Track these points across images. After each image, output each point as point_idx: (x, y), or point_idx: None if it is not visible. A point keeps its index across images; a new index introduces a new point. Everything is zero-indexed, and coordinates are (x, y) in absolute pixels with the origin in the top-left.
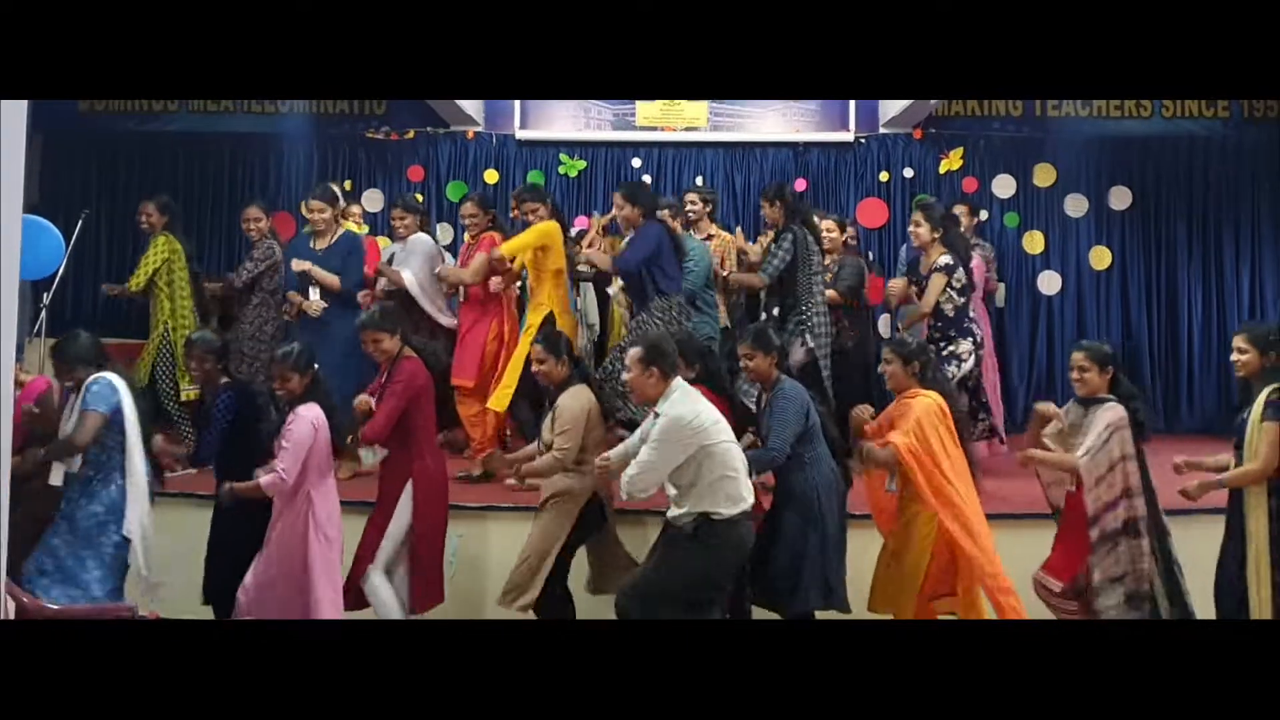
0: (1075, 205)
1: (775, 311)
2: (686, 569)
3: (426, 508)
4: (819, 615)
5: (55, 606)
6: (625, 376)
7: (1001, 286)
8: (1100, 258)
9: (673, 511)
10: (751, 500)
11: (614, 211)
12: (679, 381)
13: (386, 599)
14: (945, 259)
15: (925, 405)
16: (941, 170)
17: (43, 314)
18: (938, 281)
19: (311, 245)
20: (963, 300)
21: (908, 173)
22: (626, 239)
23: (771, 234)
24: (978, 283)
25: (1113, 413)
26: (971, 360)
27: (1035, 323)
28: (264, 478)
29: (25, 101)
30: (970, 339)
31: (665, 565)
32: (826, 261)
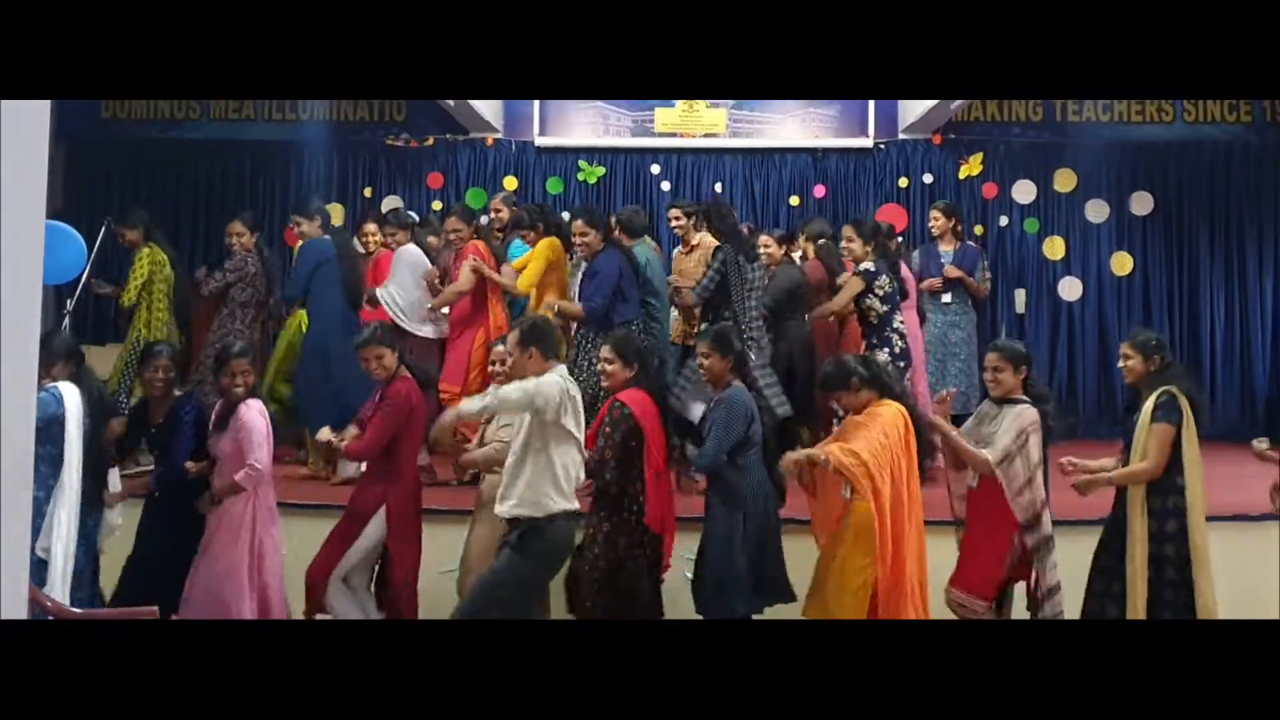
0: (1096, 211)
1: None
2: (504, 573)
3: (400, 530)
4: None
5: (79, 611)
6: (508, 362)
7: (1022, 293)
8: (1121, 263)
9: (499, 507)
10: (575, 505)
11: (574, 239)
12: (562, 368)
13: (344, 607)
14: (866, 265)
15: (891, 416)
16: (961, 176)
17: (66, 320)
18: (853, 284)
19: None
20: (885, 309)
21: (927, 178)
22: (584, 272)
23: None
24: (911, 291)
25: (1025, 417)
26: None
27: (1056, 329)
28: (239, 474)
29: (48, 102)
30: (887, 350)
31: (490, 570)
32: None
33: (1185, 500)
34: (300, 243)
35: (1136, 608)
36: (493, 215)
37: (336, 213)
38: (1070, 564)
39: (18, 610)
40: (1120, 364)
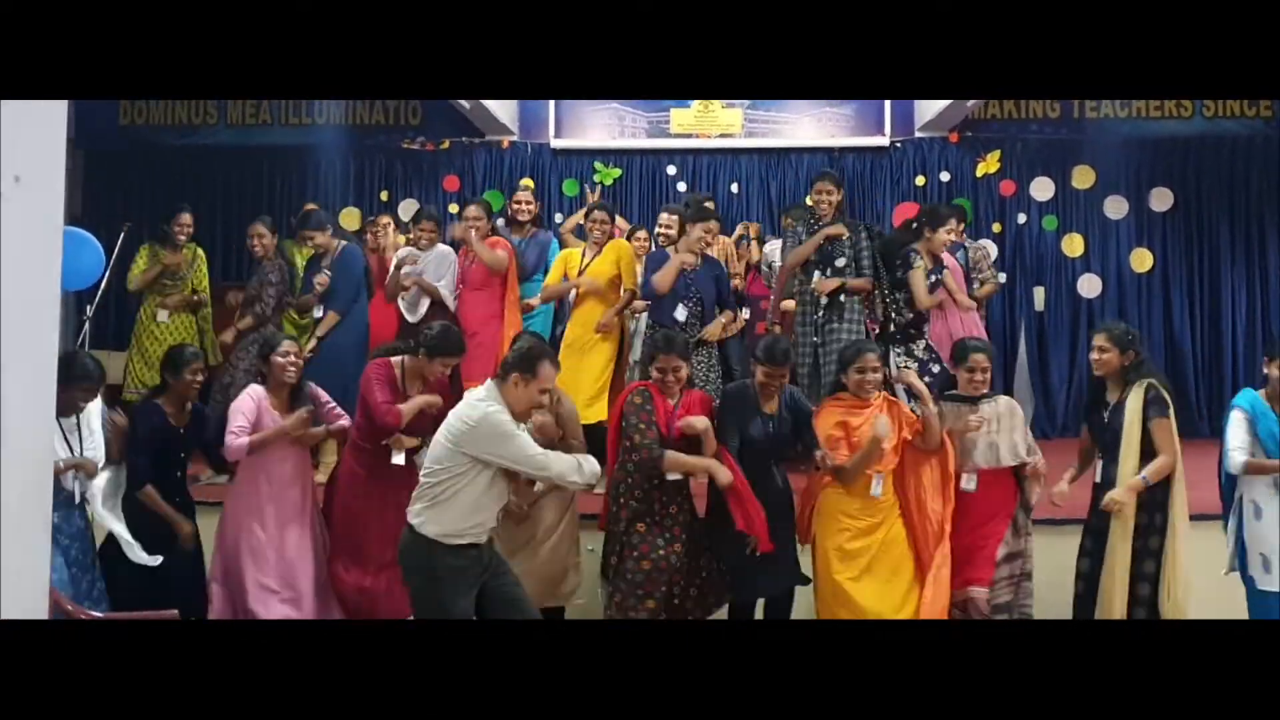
0: (1115, 207)
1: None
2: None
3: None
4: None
5: (99, 614)
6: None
7: (1041, 290)
8: (1141, 260)
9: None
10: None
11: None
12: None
13: None
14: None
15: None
16: (978, 173)
17: (86, 326)
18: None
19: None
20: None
21: (944, 177)
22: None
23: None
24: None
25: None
26: None
27: (1076, 326)
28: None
29: (64, 103)
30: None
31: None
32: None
33: (1170, 495)
34: (336, 249)
35: (1112, 608)
36: (517, 207)
37: (354, 216)
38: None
39: (38, 611)
40: (1093, 356)
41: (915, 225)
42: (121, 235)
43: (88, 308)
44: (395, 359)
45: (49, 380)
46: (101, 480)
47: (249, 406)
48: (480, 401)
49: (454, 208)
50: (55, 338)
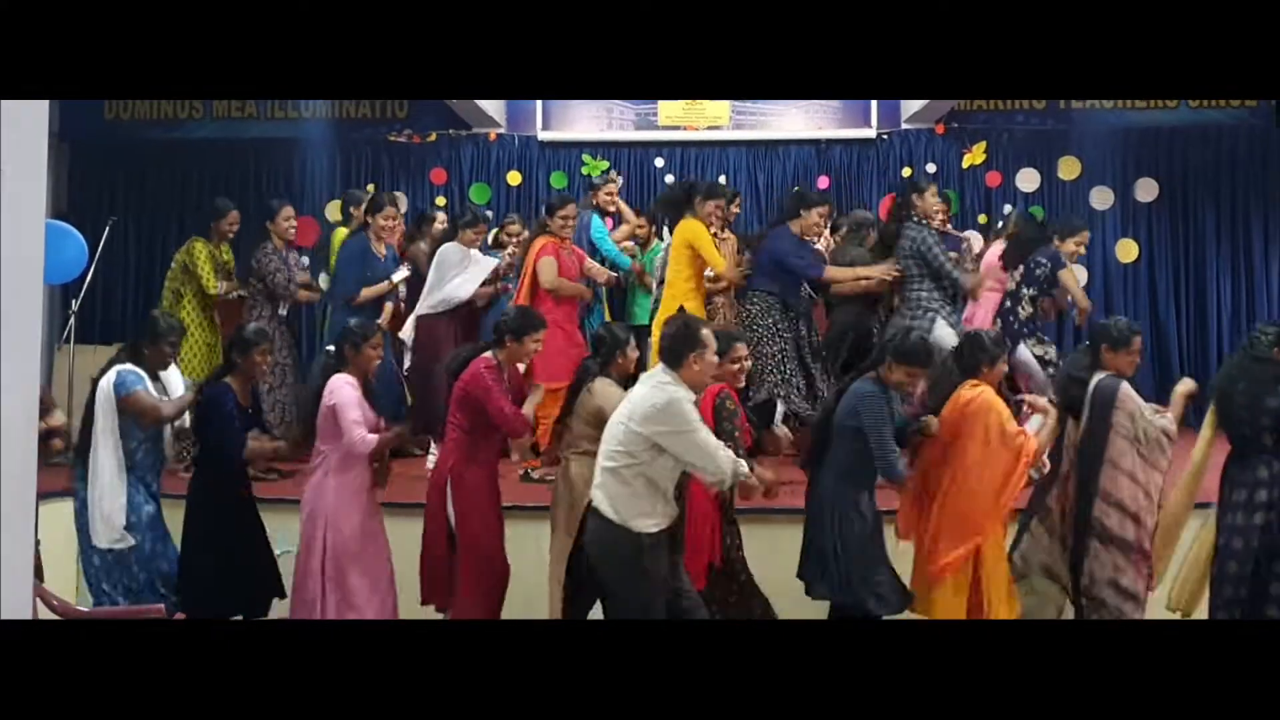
0: (1101, 198)
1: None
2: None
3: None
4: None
5: (84, 609)
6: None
7: None
8: (1127, 251)
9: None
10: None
11: None
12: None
13: None
14: None
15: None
16: (964, 165)
17: (71, 320)
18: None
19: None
20: None
21: (930, 168)
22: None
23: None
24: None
25: None
26: None
27: (1061, 318)
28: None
29: (46, 101)
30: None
31: None
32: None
33: None
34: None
35: None
36: (608, 199)
37: (337, 209)
38: None
39: (22, 610)
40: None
41: (1045, 228)
42: (107, 229)
43: (73, 301)
44: (489, 354)
45: (32, 375)
46: (111, 446)
47: (355, 398)
48: (667, 385)
49: (441, 200)
50: (38, 332)
